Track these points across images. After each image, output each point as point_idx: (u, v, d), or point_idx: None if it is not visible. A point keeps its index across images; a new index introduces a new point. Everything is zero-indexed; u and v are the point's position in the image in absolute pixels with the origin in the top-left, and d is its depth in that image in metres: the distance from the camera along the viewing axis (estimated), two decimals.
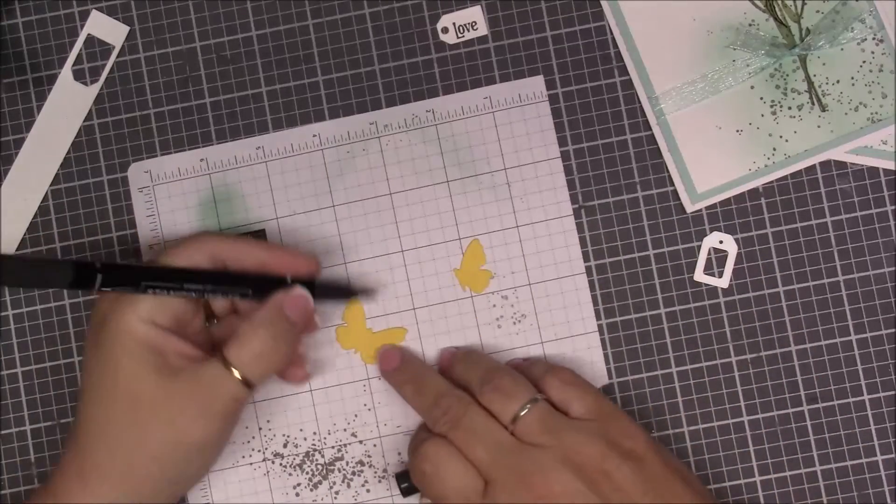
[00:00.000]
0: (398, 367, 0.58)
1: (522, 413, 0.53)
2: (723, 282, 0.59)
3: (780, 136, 0.60)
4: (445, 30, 0.61)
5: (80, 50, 0.61)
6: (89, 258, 0.50)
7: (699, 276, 0.60)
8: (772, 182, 0.60)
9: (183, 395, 0.51)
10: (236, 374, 0.52)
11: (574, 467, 0.51)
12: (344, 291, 0.58)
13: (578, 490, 0.51)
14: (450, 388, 0.55)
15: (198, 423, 0.52)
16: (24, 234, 0.60)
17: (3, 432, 0.60)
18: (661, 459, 0.52)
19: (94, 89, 0.61)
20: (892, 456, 0.59)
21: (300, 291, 0.55)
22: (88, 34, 0.61)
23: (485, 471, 0.52)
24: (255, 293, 0.54)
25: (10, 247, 0.60)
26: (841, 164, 0.60)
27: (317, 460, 0.59)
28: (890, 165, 0.60)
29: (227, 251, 0.54)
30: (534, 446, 0.52)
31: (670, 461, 0.53)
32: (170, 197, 0.60)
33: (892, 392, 0.59)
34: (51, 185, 0.60)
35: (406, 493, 0.57)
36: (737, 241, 0.60)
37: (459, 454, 0.53)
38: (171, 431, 0.51)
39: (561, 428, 0.52)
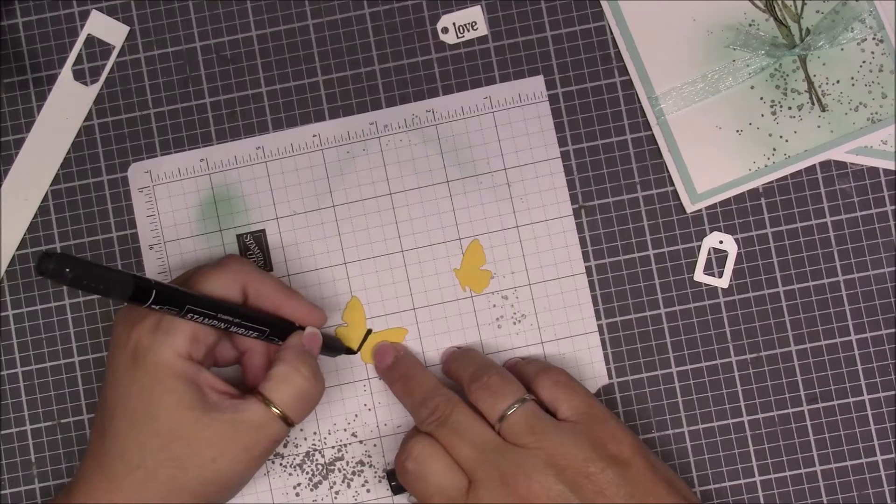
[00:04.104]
0: (391, 365, 0.58)
1: (510, 412, 0.53)
2: (723, 282, 0.59)
3: (780, 136, 0.60)
4: (445, 30, 0.61)
5: (80, 50, 0.61)
6: (122, 273, 0.51)
7: (699, 276, 0.60)
8: (772, 182, 0.60)
9: (224, 436, 0.51)
10: (277, 412, 0.52)
11: (557, 469, 0.51)
12: (336, 347, 0.59)
13: (560, 492, 0.51)
14: (438, 386, 0.55)
15: (239, 464, 0.52)
16: (25, 234, 0.60)
17: (3, 432, 0.60)
18: (647, 464, 0.52)
19: (94, 89, 0.61)
20: (892, 456, 0.59)
21: (315, 330, 0.56)
22: (88, 34, 0.61)
23: (469, 470, 0.52)
24: (270, 334, 0.55)
25: (10, 247, 0.60)
26: (841, 164, 0.60)
27: (317, 460, 0.59)
28: (890, 165, 0.60)
29: (254, 285, 0.55)
30: (518, 447, 0.52)
31: (657, 466, 0.53)
32: (170, 197, 0.60)
33: (892, 392, 0.59)
34: (51, 185, 0.60)
35: (396, 490, 0.57)
36: (737, 241, 0.60)
37: (444, 453, 0.53)
38: (212, 471, 0.51)
39: (546, 429, 0.52)
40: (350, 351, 0.59)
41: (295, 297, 0.56)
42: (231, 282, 0.54)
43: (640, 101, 0.60)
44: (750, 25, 0.60)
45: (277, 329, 0.55)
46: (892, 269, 0.59)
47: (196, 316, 0.51)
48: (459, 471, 0.53)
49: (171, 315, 0.51)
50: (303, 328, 0.56)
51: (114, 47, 0.61)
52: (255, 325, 0.54)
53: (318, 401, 0.54)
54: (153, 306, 0.49)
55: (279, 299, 0.55)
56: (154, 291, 0.49)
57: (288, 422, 0.53)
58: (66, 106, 0.61)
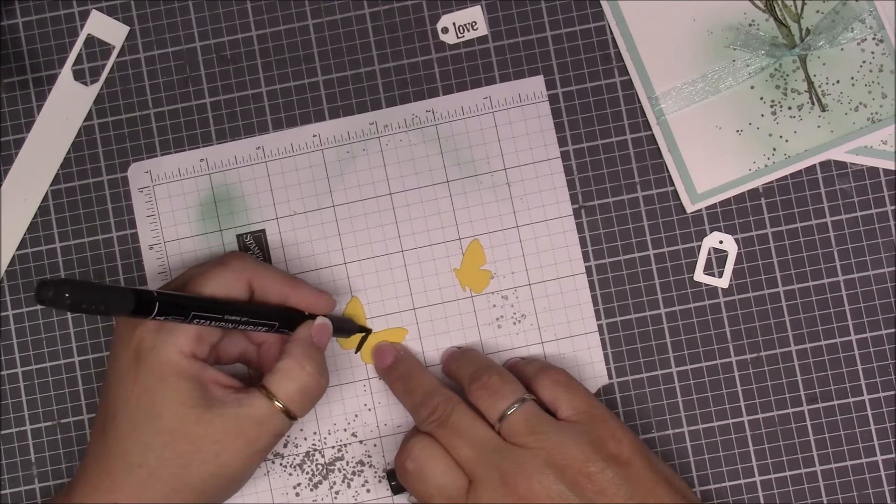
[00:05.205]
0: (391, 365, 0.58)
1: (509, 412, 0.53)
2: (723, 282, 0.59)
3: (780, 136, 0.60)
4: (445, 30, 0.61)
5: (80, 50, 0.61)
6: (122, 285, 0.50)
7: (699, 276, 0.60)
8: (772, 182, 0.60)
9: (227, 432, 0.51)
10: (280, 406, 0.52)
11: (557, 469, 0.51)
12: (349, 328, 0.59)
13: (560, 492, 0.51)
14: (438, 386, 0.55)
15: (241, 458, 0.52)
16: (24, 234, 0.60)
17: (3, 432, 0.60)
18: (647, 464, 0.52)
19: (94, 89, 0.61)
20: (892, 456, 0.59)
21: (324, 320, 0.56)
22: (88, 34, 0.61)
23: (469, 470, 0.52)
24: (279, 327, 0.55)
25: (10, 247, 0.60)
26: (841, 164, 0.60)
27: (317, 460, 0.59)
28: (890, 165, 0.60)
29: (258, 279, 0.54)
30: (518, 446, 0.52)
31: (657, 466, 0.53)
32: (170, 197, 0.60)
33: (892, 392, 0.59)
34: (51, 185, 0.60)
35: (396, 490, 0.57)
36: (737, 241, 0.60)
37: (444, 453, 0.53)
38: (215, 466, 0.51)
39: (546, 429, 0.52)
40: (364, 329, 0.59)
41: (301, 286, 0.56)
42: (235, 280, 0.54)
43: (640, 101, 0.60)
44: (750, 25, 0.60)
45: (287, 320, 0.55)
46: (892, 269, 0.59)
47: (203, 321, 0.51)
48: (459, 471, 0.53)
49: (177, 322, 0.51)
50: (313, 317, 0.56)
51: (114, 47, 0.61)
52: (263, 320, 0.54)
53: (322, 395, 0.54)
54: (158, 318, 0.49)
55: (285, 290, 0.55)
56: (157, 304, 0.49)
57: (290, 416, 0.53)
58: (66, 106, 0.61)
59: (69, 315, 0.60)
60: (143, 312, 0.49)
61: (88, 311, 0.46)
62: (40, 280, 0.45)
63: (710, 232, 0.60)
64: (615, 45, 0.60)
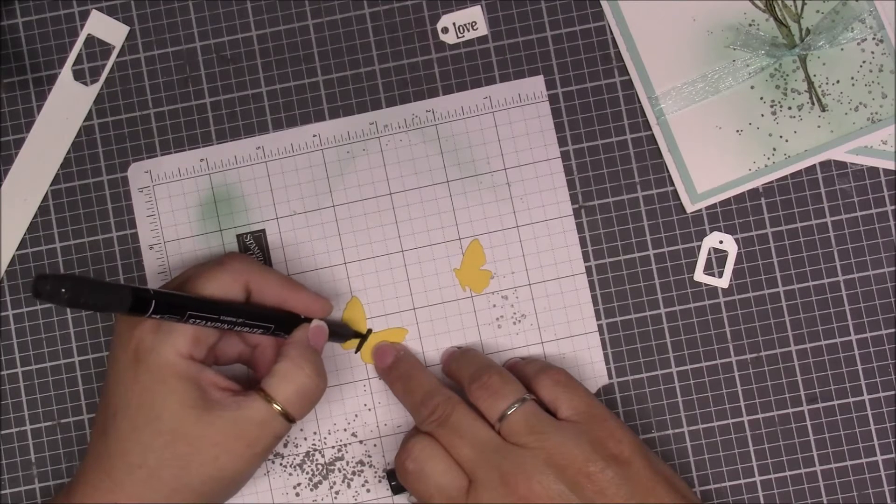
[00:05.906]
0: (391, 365, 0.58)
1: (510, 412, 0.53)
2: (723, 282, 0.59)
3: (780, 136, 0.60)
4: (445, 30, 0.61)
5: (80, 50, 0.61)
6: (121, 283, 0.51)
7: (699, 276, 0.60)
8: (772, 182, 0.60)
9: (227, 434, 0.51)
10: (278, 409, 0.52)
11: (557, 469, 0.51)
12: (345, 333, 0.59)
13: (560, 492, 0.51)
14: (438, 386, 0.55)
15: (241, 461, 0.52)
16: (24, 234, 0.60)
17: (3, 432, 0.60)
18: (647, 464, 0.52)
19: (94, 89, 0.61)
20: (892, 456, 0.59)
21: (320, 323, 0.56)
22: (88, 34, 0.61)
23: (469, 470, 0.53)
24: (275, 329, 0.55)
25: (10, 247, 0.60)
26: (841, 164, 0.60)
27: (317, 460, 0.59)
28: (890, 165, 0.60)
29: (256, 282, 0.55)
30: (518, 446, 0.52)
31: (657, 466, 0.53)
32: (170, 197, 0.60)
33: (892, 392, 0.59)
34: (51, 185, 0.61)
35: (396, 490, 0.57)
36: (737, 241, 0.60)
37: (444, 452, 0.53)
38: (214, 468, 0.51)
39: (546, 428, 0.52)
40: (359, 334, 0.59)
41: (299, 290, 0.56)
42: (232, 282, 0.54)
43: (640, 101, 0.60)
44: (750, 25, 0.60)
45: (283, 323, 0.55)
46: (892, 269, 0.59)
47: (198, 320, 0.51)
48: (460, 471, 0.53)
49: (173, 321, 0.51)
50: (309, 320, 0.56)
51: (114, 47, 0.61)
52: (259, 322, 0.54)
53: (320, 398, 0.54)
54: (154, 316, 0.49)
55: (283, 293, 0.55)
56: (153, 302, 0.49)
57: (289, 418, 0.53)
58: (66, 106, 0.61)
59: (69, 315, 0.60)
60: (140, 310, 0.49)
61: (85, 306, 0.46)
62: (38, 274, 0.45)
63: (710, 232, 0.60)
64: (615, 45, 0.60)
